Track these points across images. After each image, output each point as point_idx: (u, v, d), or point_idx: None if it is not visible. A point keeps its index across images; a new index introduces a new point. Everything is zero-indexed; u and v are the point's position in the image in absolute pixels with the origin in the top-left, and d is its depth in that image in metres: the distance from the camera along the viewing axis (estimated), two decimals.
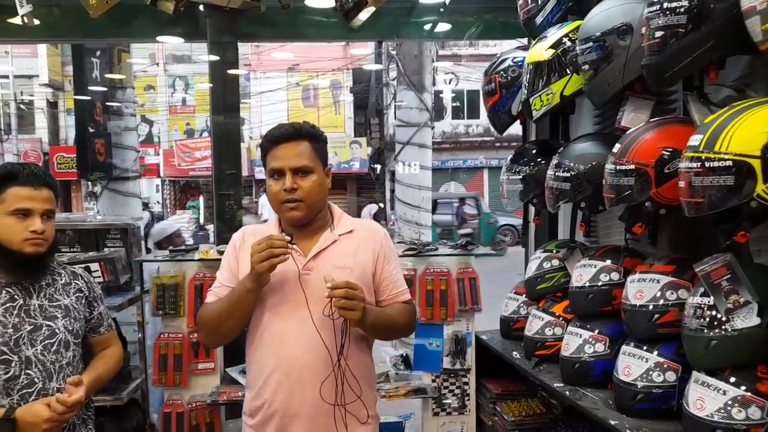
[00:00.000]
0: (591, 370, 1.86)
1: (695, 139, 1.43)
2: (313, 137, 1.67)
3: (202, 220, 17.06)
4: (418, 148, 6.71)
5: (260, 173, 19.55)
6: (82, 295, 1.81)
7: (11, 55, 17.56)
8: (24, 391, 1.63)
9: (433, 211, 16.05)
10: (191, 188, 20.50)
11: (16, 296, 1.67)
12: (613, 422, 1.62)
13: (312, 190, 1.63)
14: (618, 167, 1.72)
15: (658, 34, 1.57)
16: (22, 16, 3.05)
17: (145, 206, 15.58)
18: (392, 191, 15.07)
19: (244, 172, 18.45)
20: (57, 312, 1.72)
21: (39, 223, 1.65)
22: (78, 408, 1.67)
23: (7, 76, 18.06)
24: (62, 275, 1.80)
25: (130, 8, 3.35)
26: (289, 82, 19.44)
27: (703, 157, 1.38)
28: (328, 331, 1.61)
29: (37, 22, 3.27)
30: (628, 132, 1.80)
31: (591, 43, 1.91)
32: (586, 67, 1.95)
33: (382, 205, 17.45)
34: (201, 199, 19.42)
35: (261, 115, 19.56)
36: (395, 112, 10.37)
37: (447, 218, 16.30)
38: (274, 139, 1.66)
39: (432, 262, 2.79)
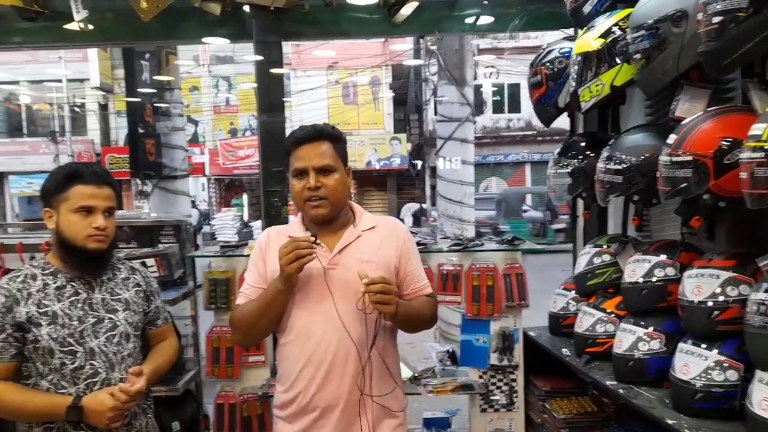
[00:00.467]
0: (646, 367, 1.81)
1: (758, 128, 1.37)
2: (334, 138, 1.73)
3: (246, 218, 17.42)
4: (459, 143, 6.66)
5: None
6: (140, 289, 1.88)
7: (64, 60, 18.32)
8: (89, 380, 1.70)
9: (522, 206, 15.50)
10: (235, 186, 20.95)
11: (80, 290, 1.75)
12: (670, 421, 1.57)
13: (335, 189, 1.69)
14: (674, 159, 1.66)
15: (716, 19, 1.51)
16: (78, 22, 3.18)
17: (193, 204, 16.04)
18: (432, 187, 14.97)
19: None
20: (118, 305, 1.79)
21: (101, 220, 1.72)
22: (139, 397, 1.74)
23: (60, 80, 18.86)
24: (122, 270, 1.87)
25: (178, 11, 3.44)
26: (328, 80, 19.60)
27: (767, 147, 1.32)
28: (357, 324, 1.65)
29: (91, 26, 3.40)
30: (684, 122, 1.74)
31: (643, 31, 1.86)
32: (638, 56, 1.89)
33: (425, 205, 17.28)
34: (245, 196, 19.83)
35: (302, 114, 19.80)
36: (435, 108, 10.32)
37: (538, 214, 15.80)
38: (297, 140, 1.71)
39: (478, 258, 2.76)
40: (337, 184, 1.69)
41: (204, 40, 4.14)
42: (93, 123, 20.32)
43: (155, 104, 7.21)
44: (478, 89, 17.83)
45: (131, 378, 1.70)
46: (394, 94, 19.43)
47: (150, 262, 2.55)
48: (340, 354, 1.65)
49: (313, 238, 1.60)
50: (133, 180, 13.25)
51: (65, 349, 1.69)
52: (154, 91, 7.09)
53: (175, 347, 1.99)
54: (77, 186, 1.72)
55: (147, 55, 6.92)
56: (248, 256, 2.74)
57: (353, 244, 1.72)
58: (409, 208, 17.69)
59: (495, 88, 19.07)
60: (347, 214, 1.78)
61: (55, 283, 1.73)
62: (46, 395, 1.68)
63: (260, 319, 1.70)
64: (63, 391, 1.68)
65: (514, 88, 18.83)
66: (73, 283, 1.75)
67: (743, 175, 1.40)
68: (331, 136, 1.72)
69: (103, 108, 20.42)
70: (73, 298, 1.73)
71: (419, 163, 19.11)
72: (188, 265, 2.83)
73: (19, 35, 3.66)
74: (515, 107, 19.37)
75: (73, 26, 3.25)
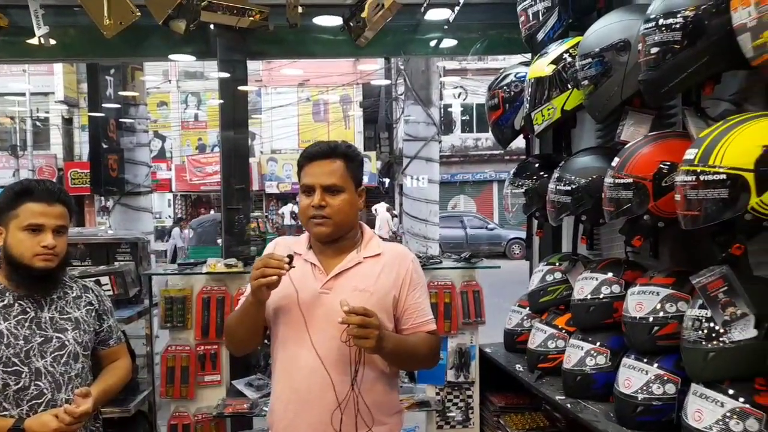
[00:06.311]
0: (592, 382, 1.87)
1: (691, 153, 1.45)
2: (348, 157, 1.66)
3: None
4: (425, 162, 6.77)
5: (270, 187, 19.73)
6: (92, 308, 1.84)
7: (28, 73, 17.93)
8: (33, 402, 1.66)
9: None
10: (202, 203, 20.68)
11: (28, 309, 1.72)
12: None
13: (341, 209, 1.62)
14: (617, 181, 1.74)
15: (654, 50, 1.60)
16: (38, 37, 3.14)
17: (177, 223, 15.66)
18: (401, 205, 14.99)
19: (255, 187, 18.74)
20: (67, 324, 1.76)
21: (50, 239, 1.69)
22: (85, 419, 1.70)
23: (23, 94, 18.43)
24: (73, 288, 1.84)
25: (143, 28, 3.42)
26: (299, 98, 19.65)
27: (698, 171, 1.40)
28: (338, 357, 1.57)
29: (53, 42, 3.36)
30: (626, 146, 1.82)
31: (590, 59, 1.95)
32: (586, 82, 1.98)
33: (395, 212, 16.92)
34: (212, 213, 19.57)
35: (272, 130, 19.76)
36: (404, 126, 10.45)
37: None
38: (309, 156, 1.66)
39: (436, 275, 2.80)
40: (343, 204, 1.62)
41: (170, 57, 4.14)
42: (56, 137, 19.87)
43: (120, 120, 7.11)
44: (446, 109, 18.10)
45: (77, 399, 1.66)
46: (364, 112, 19.58)
47: (104, 280, 2.51)
48: (318, 383, 1.57)
49: (287, 259, 1.51)
50: (97, 196, 12.99)
51: (9, 369, 1.64)
52: (119, 106, 7.00)
53: (127, 368, 1.95)
54: (28, 203, 1.69)
55: (112, 71, 6.83)
56: (206, 274, 2.75)
57: (352, 270, 1.64)
58: (379, 210, 16.88)
59: (463, 108, 19.41)
60: (355, 236, 1.70)
61: (2, 301, 1.70)
62: None
63: (238, 328, 1.66)
64: (5, 413, 1.64)
65: (482, 108, 19.09)
66: (21, 302, 1.72)
67: (677, 197, 1.48)
68: (345, 155, 1.65)
69: (68, 122, 20.00)
70: (20, 317, 1.70)
71: (387, 180, 19.23)
72: (144, 283, 2.80)
73: None
74: (483, 127, 19.72)
75: (34, 41, 3.21)
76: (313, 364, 1.58)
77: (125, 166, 6.87)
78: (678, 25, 1.54)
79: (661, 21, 1.57)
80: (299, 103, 19.65)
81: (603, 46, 1.91)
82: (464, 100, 18.95)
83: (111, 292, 2.56)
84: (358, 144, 19.68)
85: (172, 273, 2.74)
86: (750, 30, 1.32)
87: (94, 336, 1.84)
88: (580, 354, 1.91)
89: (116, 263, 2.79)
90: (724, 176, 1.35)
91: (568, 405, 1.86)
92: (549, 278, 2.29)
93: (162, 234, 17.46)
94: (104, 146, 7.09)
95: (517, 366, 2.29)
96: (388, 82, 15.67)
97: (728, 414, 1.37)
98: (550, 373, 2.11)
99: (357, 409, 1.57)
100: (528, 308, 2.42)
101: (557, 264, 2.32)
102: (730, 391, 1.39)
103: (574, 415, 1.81)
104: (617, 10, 2.01)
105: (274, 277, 1.50)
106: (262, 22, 3.15)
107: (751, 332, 1.39)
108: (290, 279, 1.57)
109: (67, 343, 1.74)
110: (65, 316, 1.76)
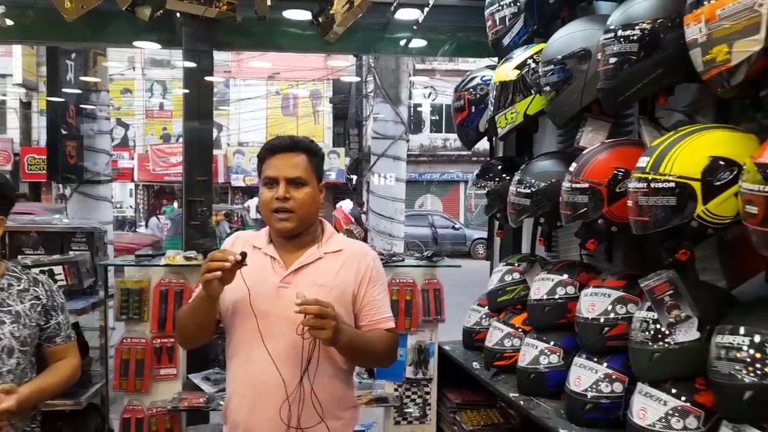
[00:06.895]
0: (546, 380, 1.92)
1: (643, 161, 1.50)
2: (311, 151, 1.68)
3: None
4: (392, 161, 6.80)
5: (236, 180, 19.47)
6: (38, 303, 1.78)
7: None
8: None
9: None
10: (165, 193, 20.26)
11: None
12: (562, 431, 1.67)
13: (304, 202, 1.63)
14: (574, 185, 1.79)
15: (612, 60, 1.65)
16: None
17: (152, 213, 15.18)
18: (368, 202, 15.01)
19: (221, 179, 18.46)
20: (5, 317, 1.70)
21: None
22: (7, 417, 1.62)
23: None
24: (21, 281, 1.78)
25: (107, 13, 3.33)
26: (268, 91, 19.44)
27: (649, 178, 1.45)
28: (295, 349, 1.58)
29: (10, 22, 3.25)
30: (584, 152, 1.87)
31: (553, 66, 1.99)
32: (548, 88, 2.02)
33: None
34: (175, 204, 19.20)
35: (239, 123, 19.50)
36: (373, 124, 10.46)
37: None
38: (272, 148, 1.67)
39: (398, 273, 2.83)
40: (306, 198, 1.63)
41: (134, 44, 4.05)
42: (13, 121, 19.16)
43: (80, 105, 6.89)
44: (416, 108, 18.19)
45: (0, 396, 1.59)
46: (334, 108, 19.51)
47: (57, 269, 2.44)
48: (274, 377, 1.57)
49: (239, 256, 1.49)
50: (54, 183, 12.57)
51: None
52: (79, 91, 6.78)
53: (72, 367, 1.87)
54: None
55: (73, 55, 6.60)
56: (165, 266, 2.71)
57: (312, 266, 1.65)
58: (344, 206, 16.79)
59: (432, 108, 19.53)
60: (315, 231, 1.70)
61: None
62: None
63: (189, 321, 1.64)
64: None
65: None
66: None
67: (629, 203, 1.53)
68: (308, 149, 1.67)
69: (26, 106, 19.29)
70: None
71: (354, 177, 19.22)
72: (100, 275, 2.73)
73: None
74: (452, 127, 19.76)
75: None
76: (266, 363, 1.58)
77: (85, 154, 6.63)
78: (635, 37, 1.59)
79: (619, 32, 1.62)
80: (268, 96, 19.44)
81: (565, 54, 1.95)
82: (434, 100, 19.07)
83: (64, 282, 2.49)
84: (327, 140, 19.61)
85: (128, 264, 2.68)
86: (700, 45, 1.38)
87: (38, 332, 1.77)
88: (534, 353, 1.96)
89: (71, 252, 2.71)
90: (673, 184, 1.41)
91: (521, 402, 1.91)
92: (508, 278, 2.33)
93: (122, 224, 17.06)
94: (63, 132, 6.83)
95: (474, 363, 2.33)
96: (358, 79, 15.64)
97: (670, 412, 1.43)
98: (505, 370, 2.15)
99: (304, 403, 1.58)
100: (487, 307, 2.47)
101: (516, 264, 2.37)
102: (673, 391, 1.45)
103: (526, 412, 1.86)
104: (580, 20, 2.06)
105: (218, 273, 1.48)
106: (230, 13, 3.11)
107: (694, 334, 1.45)
108: (243, 279, 1.56)
109: (2, 336, 1.68)
110: (4, 309, 1.71)
